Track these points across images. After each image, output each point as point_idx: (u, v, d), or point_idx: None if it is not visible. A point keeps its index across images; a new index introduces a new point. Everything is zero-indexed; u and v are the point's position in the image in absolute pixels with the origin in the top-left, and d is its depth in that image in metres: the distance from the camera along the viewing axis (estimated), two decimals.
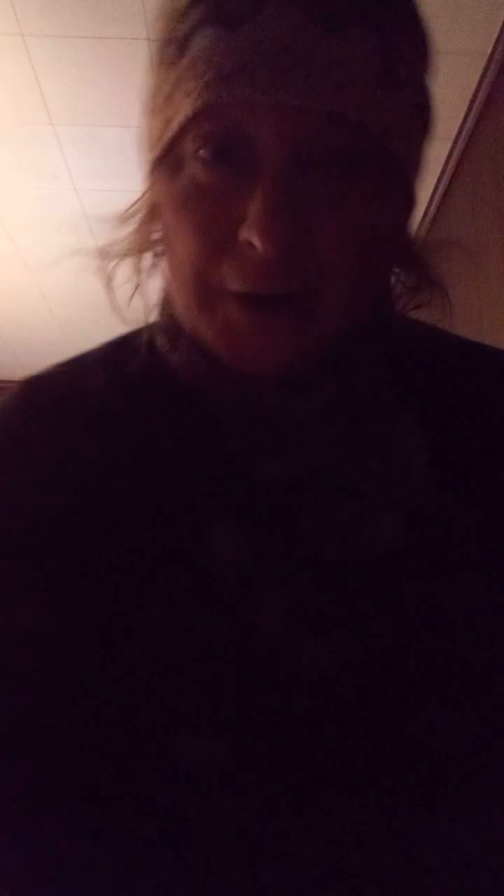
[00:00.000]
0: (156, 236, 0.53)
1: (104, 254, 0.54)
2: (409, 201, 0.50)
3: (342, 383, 0.52)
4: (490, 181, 2.33)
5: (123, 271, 0.54)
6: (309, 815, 0.48)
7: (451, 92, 2.25)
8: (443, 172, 2.61)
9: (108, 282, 0.54)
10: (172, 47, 0.47)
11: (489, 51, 2.17)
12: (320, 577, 0.50)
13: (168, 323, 0.54)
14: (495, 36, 2.12)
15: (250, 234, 0.44)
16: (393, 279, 0.56)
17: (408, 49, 0.47)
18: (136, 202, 0.53)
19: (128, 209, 0.54)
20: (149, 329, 0.56)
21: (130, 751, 0.48)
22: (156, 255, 0.54)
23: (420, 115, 0.49)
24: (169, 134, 0.47)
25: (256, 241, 0.44)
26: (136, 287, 0.55)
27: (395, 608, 0.50)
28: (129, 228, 0.54)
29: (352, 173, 0.45)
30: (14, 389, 0.57)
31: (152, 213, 0.52)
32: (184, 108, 0.45)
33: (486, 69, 2.23)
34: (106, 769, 0.48)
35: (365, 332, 0.52)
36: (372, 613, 0.50)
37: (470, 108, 2.37)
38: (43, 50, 2.23)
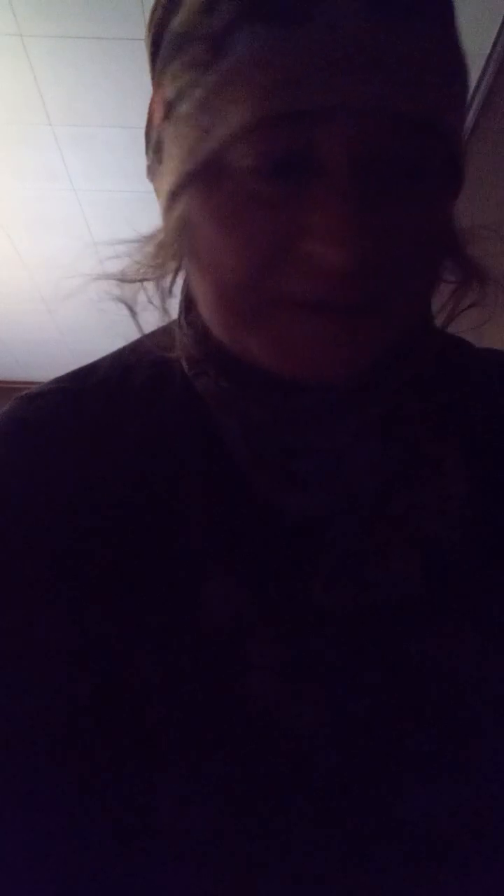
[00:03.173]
0: (178, 253, 0.49)
1: (124, 278, 0.50)
2: (459, 189, 0.47)
3: (385, 402, 0.49)
4: (490, 181, 2.33)
5: (143, 294, 0.51)
6: (289, 879, 0.46)
7: None
8: None
9: (132, 308, 0.50)
10: (200, 45, 0.42)
11: (488, 51, 2.17)
12: (324, 628, 0.47)
13: (192, 347, 0.51)
14: (494, 36, 2.13)
15: (324, 247, 0.40)
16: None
17: (459, 31, 0.43)
18: (165, 221, 0.48)
19: (153, 232, 0.49)
20: (166, 335, 0.53)
21: (110, 808, 0.45)
22: (179, 274, 0.51)
23: (466, 99, 0.46)
24: (212, 145, 0.42)
25: (333, 255, 0.40)
26: (162, 310, 0.51)
27: (399, 666, 0.47)
28: (149, 249, 0.49)
29: (420, 173, 0.42)
30: (9, 407, 0.54)
31: (180, 230, 0.47)
32: (235, 117, 0.40)
33: (484, 70, 2.23)
34: (82, 820, 0.45)
35: (414, 341, 0.49)
36: (374, 671, 0.47)
37: (468, 110, 2.37)
38: (42, 50, 2.23)
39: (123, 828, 0.46)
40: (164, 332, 0.54)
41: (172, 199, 0.46)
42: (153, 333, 0.54)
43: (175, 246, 0.48)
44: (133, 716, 0.46)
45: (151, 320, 0.54)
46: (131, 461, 0.50)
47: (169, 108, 0.45)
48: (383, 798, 0.47)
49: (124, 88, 2.34)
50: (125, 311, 0.51)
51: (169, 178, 0.46)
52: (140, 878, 0.46)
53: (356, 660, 0.47)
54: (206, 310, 0.48)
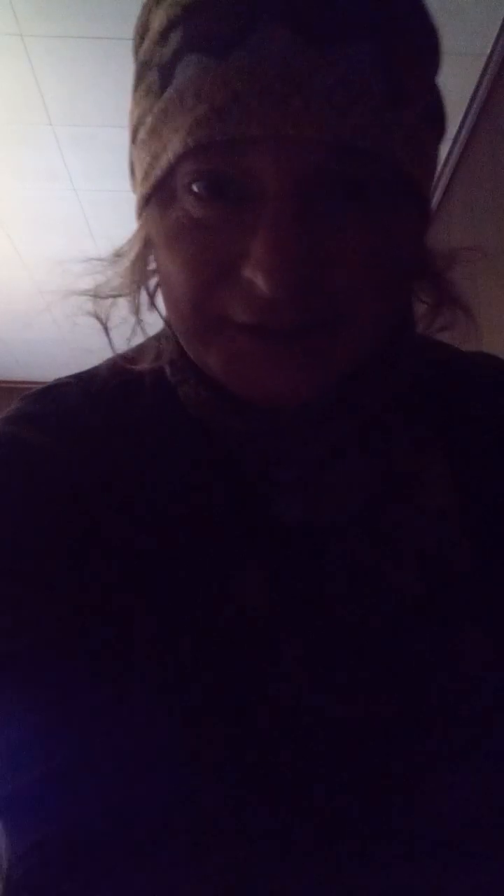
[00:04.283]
0: (152, 267, 0.51)
1: (99, 293, 0.51)
2: (423, 210, 0.47)
3: (363, 415, 0.50)
4: (488, 183, 2.33)
5: (121, 308, 0.52)
6: (311, 872, 0.46)
7: (450, 93, 2.23)
8: (440, 174, 2.61)
9: (105, 322, 0.52)
10: (154, 74, 0.44)
11: (488, 52, 2.17)
12: (340, 626, 0.48)
13: (174, 355, 0.52)
14: (494, 37, 2.12)
15: (255, 275, 0.41)
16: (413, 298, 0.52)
17: (413, 53, 0.43)
18: (129, 240, 0.51)
19: (121, 247, 0.51)
20: (156, 346, 0.54)
21: (131, 793, 0.45)
22: (152, 291, 0.52)
23: (432, 120, 0.46)
24: (158, 171, 0.44)
25: (262, 282, 0.41)
26: (136, 323, 0.53)
27: (411, 663, 0.48)
28: (123, 265, 0.51)
29: (359, 196, 0.42)
30: (18, 404, 0.55)
31: (146, 247, 0.50)
32: (173, 145, 0.42)
33: (485, 70, 2.23)
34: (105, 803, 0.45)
35: (386, 357, 0.49)
36: (388, 668, 0.48)
37: (468, 110, 2.37)
38: (42, 50, 2.23)
39: (126, 818, 0.45)
40: (157, 340, 0.55)
41: (138, 218, 0.48)
42: (147, 342, 0.55)
43: (142, 263, 0.50)
44: (155, 701, 0.46)
45: (153, 322, 0.54)
46: (143, 460, 0.51)
47: (134, 133, 0.47)
48: (394, 797, 0.47)
49: (125, 88, 2.31)
50: (124, 313, 0.52)
51: (136, 199, 0.48)
52: (144, 871, 0.45)
53: (367, 658, 0.48)
54: (173, 324, 0.50)
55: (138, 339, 0.55)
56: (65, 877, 0.42)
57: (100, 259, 0.52)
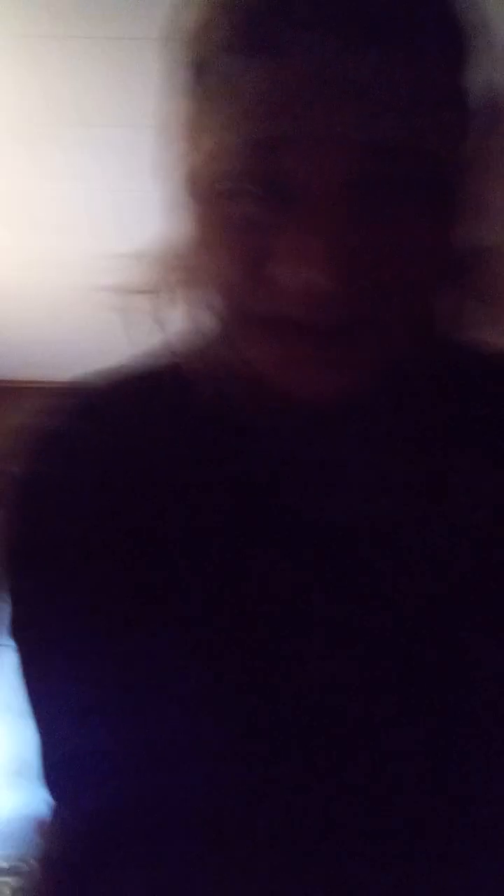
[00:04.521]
0: (184, 264, 0.52)
1: (126, 289, 0.52)
2: (463, 208, 0.47)
3: (396, 414, 0.50)
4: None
5: (142, 306, 0.53)
6: (312, 871, 0.47)
7: None
8: None
9: (129, 320, 0.53)
10: (190, 72, 0.45)
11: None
12: (355, 626, 0.49)
13: (200, 353, 0.53)
14: None
15: (294, 272, 0.42)
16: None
17: (453, 51, 0.44)
18: (162, 237, 0.51)
19: (155, 243, 0.52)
20: (181, 343, 0.55)
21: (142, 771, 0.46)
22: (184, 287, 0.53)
23: (469, 117, 0.46)
24: (194, 169, 0.45)
25: (301, 280, 0.42)
26: (160, 321, 0.53)
27: (423, 664, 0.49)
28: (156, 261, 0.52)
29: (398, 194, 0.43)
30: (51, 394, 0.56)
31: (180, 244, 0.50)
32: (209, 143, 0.43)
33: None
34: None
35: (421, 356, 0.50)
36: (399, 668, 0.49)
37: None
38: (44, 50, 2.23)
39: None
40: (182, 337, 0.55)
41: (172, 215, 0.49)
42: (172, 338, 0.56)
43: (177, 259, 0.50)
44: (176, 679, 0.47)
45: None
46: (164, 454, 0.52)
47: (168, 131, 0.48)
48: (398, 797, 0.48)
49: (130, 88, 2.34)
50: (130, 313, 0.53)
51: (170, 197, 0.49)
52: (149, 864, 0.46)
53: (379, 658, 0.49)
54: (206, 321, 0.51)
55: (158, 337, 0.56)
56: (96, 859, 0.45)
57: (132, 255, 0.52)
